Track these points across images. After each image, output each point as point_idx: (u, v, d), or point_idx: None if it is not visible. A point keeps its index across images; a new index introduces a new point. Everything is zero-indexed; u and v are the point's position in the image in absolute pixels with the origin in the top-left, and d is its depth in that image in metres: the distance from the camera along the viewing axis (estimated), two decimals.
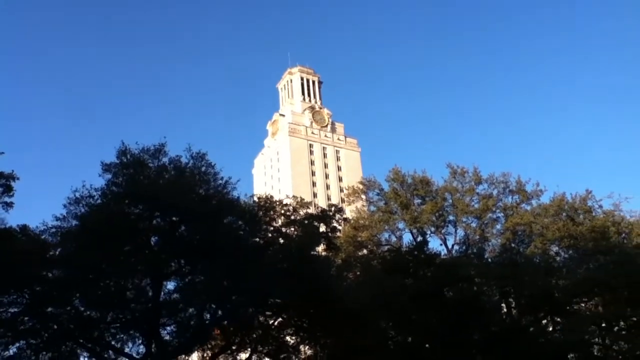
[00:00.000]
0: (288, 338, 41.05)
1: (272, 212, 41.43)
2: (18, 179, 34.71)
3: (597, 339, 45.38)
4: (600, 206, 52.11)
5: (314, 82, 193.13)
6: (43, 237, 34.58)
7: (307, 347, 41.65)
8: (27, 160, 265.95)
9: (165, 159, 36.42)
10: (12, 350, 33.18)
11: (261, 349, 39.60)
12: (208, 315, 36.13)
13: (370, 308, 37.12)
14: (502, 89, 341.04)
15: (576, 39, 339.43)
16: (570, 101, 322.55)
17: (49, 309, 34.03)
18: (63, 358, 33.52)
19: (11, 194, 34.54)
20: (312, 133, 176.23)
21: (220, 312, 35.60)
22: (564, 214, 51.05)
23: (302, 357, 41.30)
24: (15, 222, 35.24)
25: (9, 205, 34.39)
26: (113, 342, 35.77)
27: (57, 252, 34.26)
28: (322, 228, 43.46)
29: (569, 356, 44.70)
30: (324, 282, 35.59)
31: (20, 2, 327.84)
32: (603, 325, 45.13)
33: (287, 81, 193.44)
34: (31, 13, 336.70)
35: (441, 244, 52.41)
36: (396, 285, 39.97)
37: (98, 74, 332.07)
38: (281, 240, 40.10)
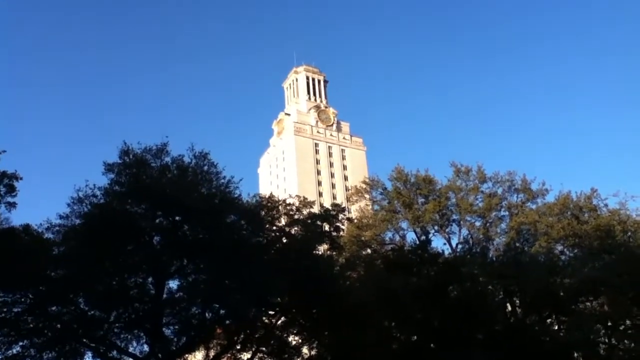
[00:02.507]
0: (291, 338, 41.01)
1: (275, 212, 41.42)
2: (21, 178, 34.71)
3: (602, 338, 45.13)
4: (606, 205, 51.91)
5: (319, 81, 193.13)
6: (46, 235, 34.68)
7: (310, 347, 41.57)
8: (30, 160, 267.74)
9: (167, 159, 36.44)
10: (16, 349, 33.32)
11: (264, 348, 39.59)
12: (211, 314, 36.13)
13: (373, 307, 37.07)
14: (507, 89, 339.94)
15: (583, 39, 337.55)
16: (577, 101, 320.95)
17: (53, 308, 34.13)
18: (66, 357, 33.59)
19: (14, 194, 34.53)
20: (318, 132, 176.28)
21: (222, 311, 35.64)
22: (569, 212, 50.81)
23: (306, 356, 41.20)
24: (18, 222, 35.38)
25: (12, 205, 34.39)
26: (117, 341, 35.76)
27: (60, 251, 34.32)
28: (326, 227, 43.45)
29: (574, 355, 44.45)
30: (327, 281, 35.55)
31: (23, 1, 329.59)
32: (609, 324, 44.89)
33: (293, 80, 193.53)
34: (33, 12, 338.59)
35: (445, 243, 52.36)
36: (399, 284, 39.89)
37: (101, 74, 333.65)
38: (284, 240, 40.11)
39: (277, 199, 42.73)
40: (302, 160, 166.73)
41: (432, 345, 42.30)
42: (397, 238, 53.16)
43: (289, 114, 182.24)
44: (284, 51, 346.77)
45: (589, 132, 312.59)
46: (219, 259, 33.03)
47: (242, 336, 38.64)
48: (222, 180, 36.93)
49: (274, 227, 40.69)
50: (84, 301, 34.43)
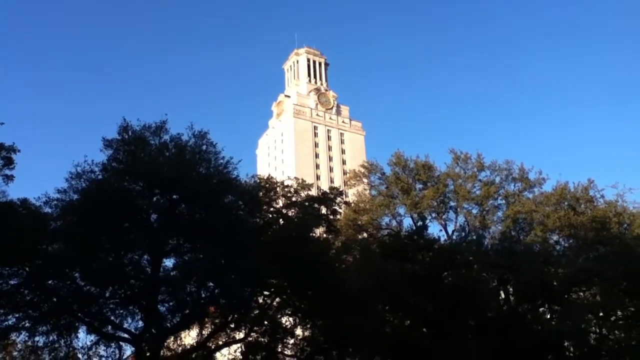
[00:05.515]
0: (285, 319, 41.26)
1: (272, 193, 41.43)
2: (19, 151, 34.42)
3: (593, 328, 45.60)
4: (602, 196, 52.05)
5: (320, 63, 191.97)
6: (44, 210, 34.54)
7: (304, 328, 41.88)
8: (29, 134, 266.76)
9: (166, 137, 36.08)
10: (11, 321, 33.48)
11: (257, 328, 39.83)
12: (206, 293, 36.25)
13: (367, 291, 37.25)
14: (508, 79, 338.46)
15: (583, 33, 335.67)
16: (578, 93, 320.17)
17: (49, 282, 34.14)
18: (60, 330, 33.79)
19: (12, 166, 34.29)
20: (317, 115, 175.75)
21: (217, 291, 35.76)
22: (566, 203, 50.89)
23: (298, 338, 41.51)
24: (16, 196, 35.20)
25: (9, 178, 34.18)
26: (112, 317, 35.93)
27: (58, 226, 34.25)
28: (323, 210, 43.51)
29: (564, 344, 44.91)
30: (323, 264, 35.62)
31: None
32: (600, 314, 45.34)
33: (293, 62, 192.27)
34: None
35: (441, 230, 52.46)
36: (394, 269, 40.09)
37: (104, 52, 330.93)
38: (281, 222, 40.15)
39: (275, 181, 42.70)
40: (301, 142, 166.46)
41: (425, 330, 42.68)
42: (394, 223, 53.23)
43: (288, 96, 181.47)
44: (285, 33, 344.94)
45: (588, 124, 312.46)
46: (215, 239, 33.00)
47: (236, 316, 38.83)
48: (221, 161, 36.65)
49: (271, 209, 40.71)
50: (80, 276, 34.40)
